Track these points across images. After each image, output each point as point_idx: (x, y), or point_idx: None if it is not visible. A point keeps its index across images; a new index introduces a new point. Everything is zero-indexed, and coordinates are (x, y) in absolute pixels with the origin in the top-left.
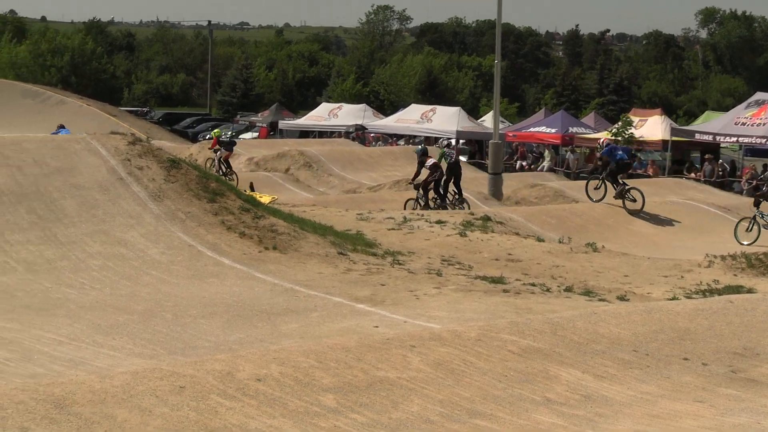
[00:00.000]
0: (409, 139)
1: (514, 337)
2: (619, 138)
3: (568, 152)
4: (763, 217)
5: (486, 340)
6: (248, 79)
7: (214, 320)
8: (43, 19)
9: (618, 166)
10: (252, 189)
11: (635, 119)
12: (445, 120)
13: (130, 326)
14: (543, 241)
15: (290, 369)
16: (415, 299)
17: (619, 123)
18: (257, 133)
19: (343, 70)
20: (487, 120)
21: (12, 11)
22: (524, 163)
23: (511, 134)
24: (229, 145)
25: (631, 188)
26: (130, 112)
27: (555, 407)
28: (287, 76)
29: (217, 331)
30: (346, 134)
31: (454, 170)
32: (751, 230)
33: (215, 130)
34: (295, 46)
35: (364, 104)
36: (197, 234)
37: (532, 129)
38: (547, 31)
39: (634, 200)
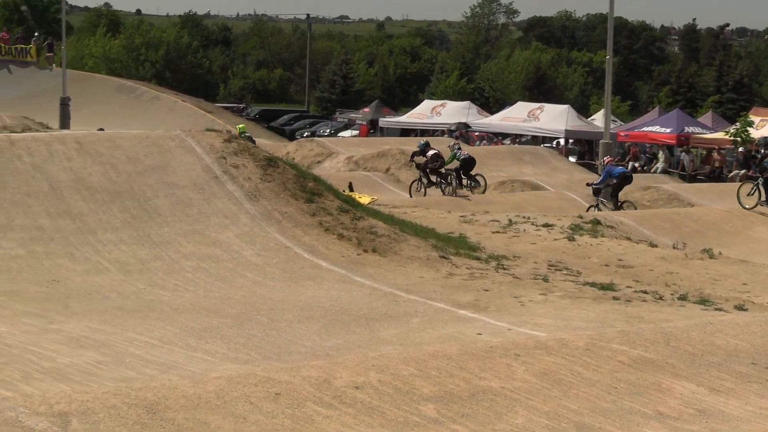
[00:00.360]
0: (515, 138)
1: (625, 347)
2: (737, 139)
3: (683, 153)
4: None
5: (595, 349)
6: (348, 75)
7: (310, 325)
8: (138, 12)
9: (620, 179)
10: (351, 189)
11: (756, 119)
12: (553, 118)
13: (224, 330)
14: (656, 246)
15: (389, 377)
16: (520, 306)
17: (738, 123)
18: (357, 131)
19: (446, 65)
20: (598, 119)
21: (107, 4)
22: (636, 165)
23: (622, 134)
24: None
25: (623, 203)
26: (226, 108)
27: (667, 422)
28: (388, 71)
29: (313, 336)
30: (449, 133)
31: (469, 163)
32: (752, 194)
33: (240, 125)
34: (396, 41)
35: (468, 101)
36: (294, 235)
37: (645, 128)
38: (662, 26)
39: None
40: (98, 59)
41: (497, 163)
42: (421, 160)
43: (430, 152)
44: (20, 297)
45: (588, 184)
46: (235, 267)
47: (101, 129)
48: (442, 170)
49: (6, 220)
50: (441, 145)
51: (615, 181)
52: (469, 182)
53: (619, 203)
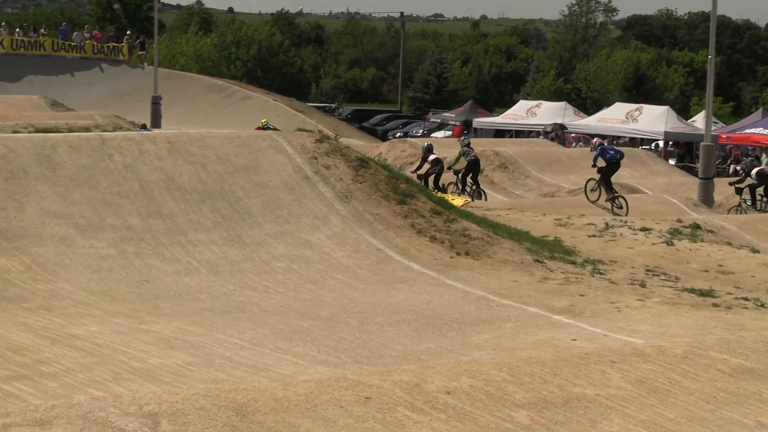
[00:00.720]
0: (613, 139)
1: (725, 355)
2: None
3: None
4: (746, 201)
5: (693, 357)
6: (441, 75)
7: (401, 328)
8: (230, 10)
9: (609, 165)
10: (444, 191)
11: None
12: (652, 120)
13: (315, 332)
14: (758, 252)
15: (481, 382)
16: (616, 311)
17: None
18: (450, 132)
19: (542, 65)
20: (698, 120)
21: (199, 2)
22: (738, 168)
23: (724, 136)
24: None
25: (619, 196)
26: (318, 108)
27: None
28: (483, 71)
29: (404, 340)
30: (545, 134)
31: (473, 167)
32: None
33: (264, 120)
34: (492, 40)
35: (565, 102)
36: (385, 237)
37: (747, 130)
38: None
39: (621, 207)
40: (189, 58)
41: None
42: (426, 167)
43: (431, 157)
44: (111, 297)
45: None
46: (325, 269)
47: (144, 126)
48: (440, 182)
49: (97, 219)
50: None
51: (605, 166)
52: (473, 190)
53: (615, 195)
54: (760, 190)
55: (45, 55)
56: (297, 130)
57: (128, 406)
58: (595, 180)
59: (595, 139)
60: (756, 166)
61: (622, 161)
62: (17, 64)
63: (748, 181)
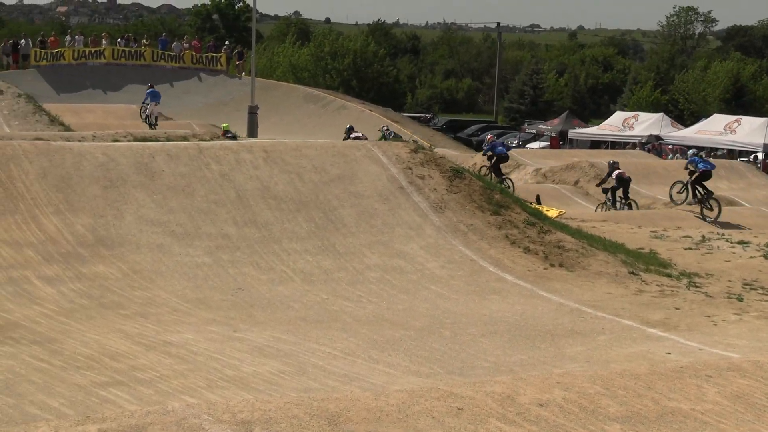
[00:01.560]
0: (710, 152)
1: None
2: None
3: None
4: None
5: None
6: (537, 85)
7: (494, 339)
8: (327, 20)
9: (498, 158)
10: (538, 202)
11: None
12: (751, 132)
13: (407, 342)
14: None
15: (575, 395)
16: (712, 325)
17: None
18: (545, 143)
19: (640, 76)
20: None
21: (296, 13)
22: None
23: None
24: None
25: (506, 177)
26: (413, 118)
27: None
28: (579, 82)
29: (497, 351)
30: (641, 146)
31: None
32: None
33: (224, 124)
34: (588, 50)
35: (662, 114)
36: (479, 248)
37: None
38: None
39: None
40: (286, 68)
41: None
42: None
43: (353, 135)
44: (206, 305)
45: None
46: (419, 279)
47: (227, 132)
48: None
49: (194, 227)
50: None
51: (495, 158)
52: (622, 203)
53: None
54: (620, 192)
55: (145, 65)
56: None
57: (222, 413)
58: (681, 183)
59: (488, 137)
60: (617, 169)
61: (714, 171)
62: (118, 74)
63: (610, 182)
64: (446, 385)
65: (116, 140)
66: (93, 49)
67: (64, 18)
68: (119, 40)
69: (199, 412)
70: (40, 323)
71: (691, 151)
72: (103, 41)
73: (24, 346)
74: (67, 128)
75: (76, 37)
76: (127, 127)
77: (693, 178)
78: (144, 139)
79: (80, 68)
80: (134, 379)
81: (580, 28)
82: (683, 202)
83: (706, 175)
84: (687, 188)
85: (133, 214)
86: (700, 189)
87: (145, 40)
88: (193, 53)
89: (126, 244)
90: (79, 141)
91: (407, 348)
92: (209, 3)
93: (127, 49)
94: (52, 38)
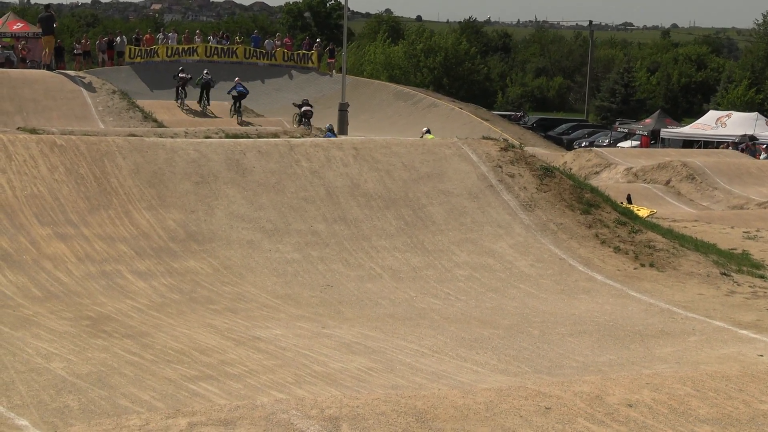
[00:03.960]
0: None
1: None
2: None
3: None
4: None
5: None
6: (629, 84)
7: (583, 339)
8: (419, 18)
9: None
10: (629, 201)
11: None
12: None
13: (495, 341)
14: None
15: (664, 396)
16: None
17: None
18: (637, 142)
19: (734, 75)
20: None
21: (387, 10)
22: None
23: None
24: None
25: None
26: (503, 116)
27: None
28: (672, 80)
29: (585, 351)
30: (734, 145)
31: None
32: None
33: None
34: (681, 49)
35: (756, 113)
36: (569, 247)
37: None
38: None
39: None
40: (378, 65)
41: None
42: None
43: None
44: (295, 301)
45: None
46: (507, 277)
47: (330, 129)
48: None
49: (284, 224)
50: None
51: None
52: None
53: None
54: None
55: (237, 62)
56: (482, 138)
57: (310, 409)
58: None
59: (236, 79)
60: None
61: None
62: (210, 71)
63: None
64: (534, 384)
65: (208, 137)
66: (186, 47)
67: (157, 15)
68: (211, 37)
69: (288, 408)
70: (132, 317)
71: None
72: (196, 38)
73: (116, 340)
74: (160, 125)
75: (170, 34)
76: (219, 124)
77: None
78: (235, 136)
79: (174, 65)
80: (224, 373)
81: (674, 26)
82: None
83: None
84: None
85: (224, 210)
86: None
87: (237, 38)
88: (285, 51)
89: (216, 240)
90: (172, 137)
91: (495, 346)
92: (301, 1)
93: (219, 46)
94: (147, 36)
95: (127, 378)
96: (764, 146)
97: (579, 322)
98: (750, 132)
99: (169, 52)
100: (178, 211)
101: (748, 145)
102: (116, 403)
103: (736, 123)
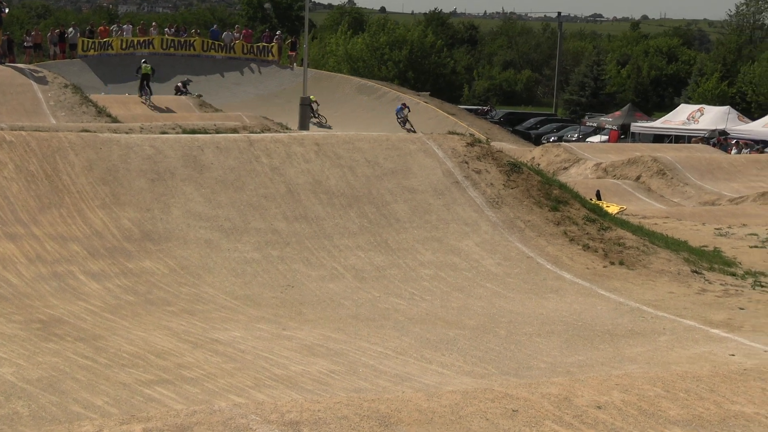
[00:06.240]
0: None
1: None
2: None
3: None
4: None
5: None
6: (599, 77)
7: (551, 339)
8: (383, 9)
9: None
10: (599, 198)
11: None
12: None
13: (461, 342)
14: None
15: (634, 397)
16: None
17: None
18: (606, 137)
19: (705, 67)
20: None
21: (350, 2)
22: None
23: None
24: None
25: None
26: (470, 110)
27: None
28: (642, 73)
29: (554, 352)
30: (705, 141)
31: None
32: None
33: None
34: (652, 41)
35: (728, 107)
36: (537, 245)
37: None
38: None
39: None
40: (340, 58)
41: (758, 173)
42: None
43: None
44: (254, 302)
45: None
46: (473, 277)
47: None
48: None
49: (243, 222)
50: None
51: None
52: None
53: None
54: None
55: (194, 55)
56: (448, 133)
57: (270, 413)
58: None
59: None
60: None
61: None
62: (167, 64)
63: None
64: (501, 386)
65: (164, 132)
66: (141, 39)
67: (111, 7)
68: (167, 29)
69: (247, 412)
70: (85, 320)
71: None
72: (152, 30)
73: (68, 343)
74: (115, 120)
75: (124, 26)
76: (176, 119)
77: None
78: (193, 132)
79: (128, 58)
80: (180, 377)
81: (644, 17)
82: None
83: None
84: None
85: (181, 209)
86: None
87: (194, 30)
88: (245, 43)
89: (173, 239)
90: (127, 133)
91: (461, 347)
92: None
93: (176, 38)
94: (101, 28)
95: (79, 383)
96: (734, 141)
97: (547, 322)
98: (722, 126)
99: (124, 44)
100: (133, 209)
101: (720, 140)
102: (68, 409)
103: (707, 117)
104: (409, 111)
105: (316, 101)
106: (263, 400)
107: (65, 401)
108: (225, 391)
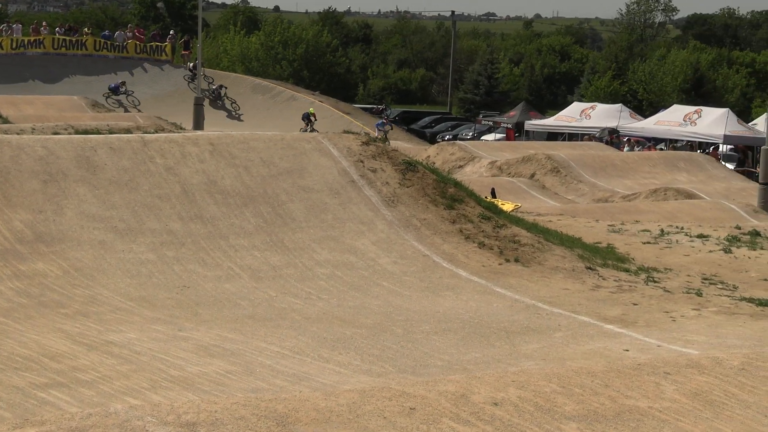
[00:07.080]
0: (669, 143)
1: None
2: None
3: None
4: None
5: (751, 369)
6: (493, 75)
7: (448, 337)
8: (276, 9)
9: None
10: (494, 195)
11: None
12: (711, 123)
13: (358, 341)
14: None
15: (530, 393)
16: (670, 321)
17: None
18: (501, 135)
19: (597, 66)
20: (760, 123)
21: (244, 1)
22: None
23: None
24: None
25: None
26: (365, 109)
27: None
28: (535, 71)
29: (450, 350)
30: (598, 137)
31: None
32: None
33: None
34: (545, 39)
35: (620, 104)
36: (432, 243)
37: None
38: None
39: None
40: (234, 58)
41: (650, 170)
42: None
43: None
44: (150, 303)
45: None
46: (370, 275)
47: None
48: None
49: (137, 223)
50: (580, 150)
51: None
52: None
53: None
54: None
55: (87, 55)
56: (343, 132)
57: (166, 415)
58: None
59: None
60: None
61: (674, 163)
62: (58, 64)
63: None
64: (398, 385)
65: (56, 133)
66: (32, 38)
67: (1, 6)
68: (59, 29)
69: (143, 414)
70: None
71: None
72: (43, 30)
73: None
74: (5, 120)
75: (14, 26)
76: (68, 119)
77: None
78: (86, 132)
79: (18, 58)
80: (75, 380)
81: (537, 16)
82: None
83: None
84: None
85: (74, 210)
86: None
87: (86, 29)
88: (137, 42)
89: (66, 241)
90: (18, 134)
91: (358, 346)
92: None
93: (67, 38)
94: None
95: None
96: (626, 139)
97: (443, 319)
98: (614, 124)
99: (14, 44)
100: (25, 211)
101: (613, 137)
102: None
103: (600, 115)
104: (391, 128)
105: (314, 114)
106: (159, 401)
107: None
108: (121, 393)
